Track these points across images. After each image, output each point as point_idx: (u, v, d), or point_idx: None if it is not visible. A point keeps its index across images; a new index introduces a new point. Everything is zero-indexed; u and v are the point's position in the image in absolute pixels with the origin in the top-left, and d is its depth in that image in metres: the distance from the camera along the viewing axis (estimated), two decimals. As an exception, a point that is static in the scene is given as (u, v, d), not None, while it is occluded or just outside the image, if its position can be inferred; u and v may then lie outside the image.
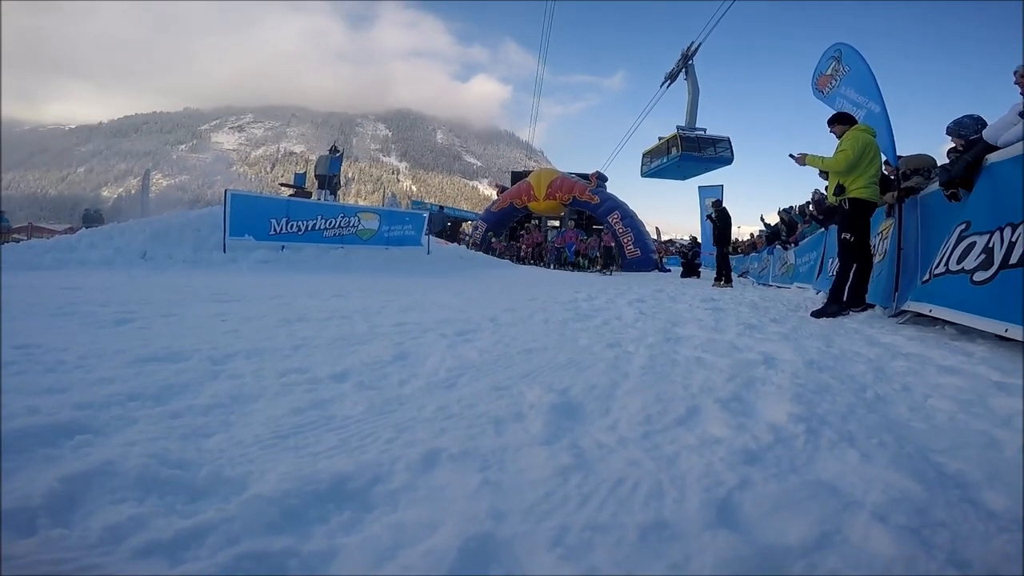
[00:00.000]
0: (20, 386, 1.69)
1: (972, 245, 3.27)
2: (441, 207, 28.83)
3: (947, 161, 4.33)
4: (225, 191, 9.72)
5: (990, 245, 3.07)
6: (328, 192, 13.20)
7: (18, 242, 9.94)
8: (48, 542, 0.87)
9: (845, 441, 1.45)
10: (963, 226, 3.45)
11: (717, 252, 10.95)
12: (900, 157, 4.96)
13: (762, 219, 16.31)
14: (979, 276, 3.10)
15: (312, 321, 3.49)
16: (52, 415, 1.42)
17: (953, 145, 4.26)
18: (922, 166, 4.84)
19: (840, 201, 4.59)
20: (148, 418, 1.48)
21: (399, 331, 3.20)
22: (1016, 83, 3.45)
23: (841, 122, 4.74)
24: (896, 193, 4.75)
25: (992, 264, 3.00)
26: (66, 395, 1.63)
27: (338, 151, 13.98)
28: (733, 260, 13.04)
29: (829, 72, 5.91)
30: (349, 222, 11.41)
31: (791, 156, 4.93)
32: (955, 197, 3.75)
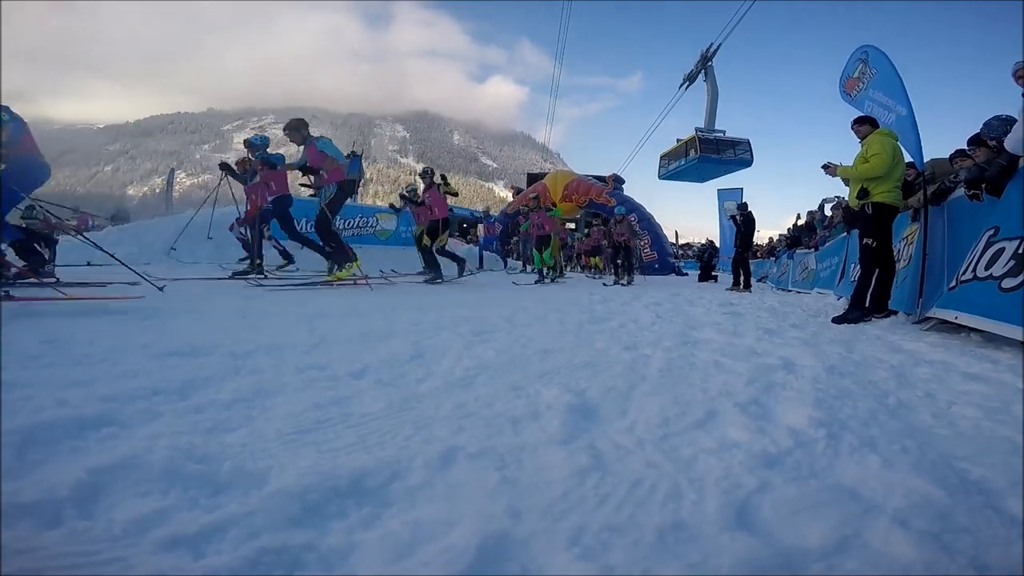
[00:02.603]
0: (48, 379, 1.74)
1: (1001, 251, 3.20)
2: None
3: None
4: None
5: (1020, 251, 3.00)
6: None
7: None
8: (74, 534, 0.89)
9: (866, 446, 1.42)
10: (992, 231, 3.38)
11: (737, 256, 10.76)
12: (927, 162, 4.87)
13: (798, 218, 16.02)
14: (1008, 283, 3.03)
15: (330, 318, 3.53)
16: (79, 408, 1.45)
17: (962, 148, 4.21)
18: (950, 170, 4.75)
19: (863, 205, 4.51)
20: (172, 412, 1.51)
21: (416, 329, 3.22)
22: (1018, 83, 3.40)
23: (866, 123, 4.68)
24: (922, 197, 4.67)
25: (1022, 271, 2.94)
26: (92, 388, 1.66)
27: (356, 154, 14.13)
28: (751, 264, 12.79)
29: (856, 75, 5.83)
30: (367, 222, 11.54)
31: (824, 168, 4.88)
32: (977, 197, 3.73)
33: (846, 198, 6.82)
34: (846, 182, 4.87)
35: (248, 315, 3.47)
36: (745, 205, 11.19)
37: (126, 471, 1.10)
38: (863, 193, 4.46)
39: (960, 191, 4.16)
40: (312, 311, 3.85)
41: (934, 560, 0.89)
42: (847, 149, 4.94)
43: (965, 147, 4.60)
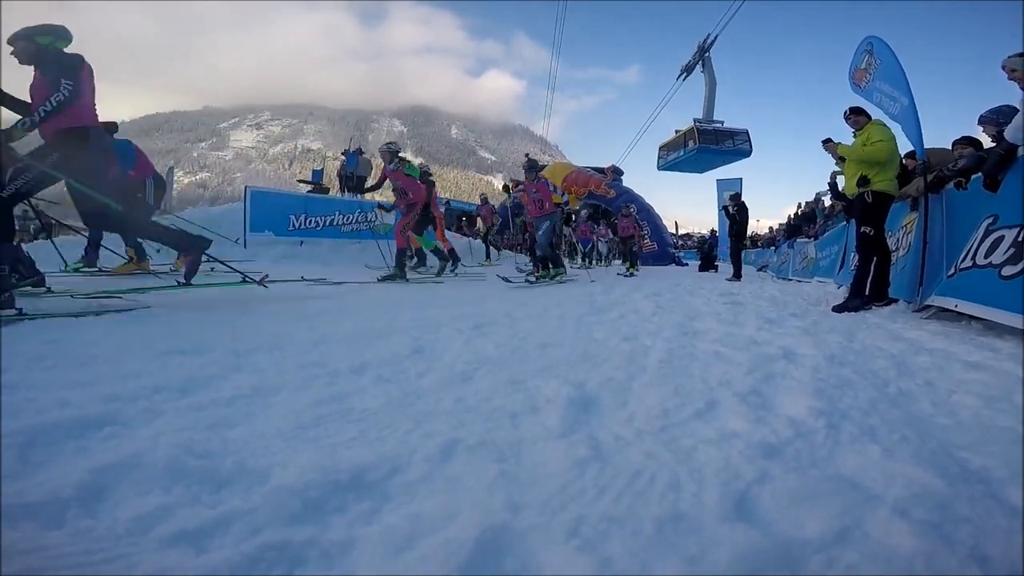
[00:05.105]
0: (51, 380, 1.74)
1: (1000, 239, 3.19)
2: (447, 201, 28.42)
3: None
4: (245, 188, 9.88)
5: (1020, 239, 3.00)
6: (351, 191, 13.34)
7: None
8: (77, 533, 0.90)
9: (866, 436, 1.43)
10: (990, 220, 3.37)
11: (733, 247, 10.80)
12: (926, 150, 4.86)
13: (799, 207, 16.07)
14: (1007, 271, 3.02)
15: (330, 315, 3.53)
16: (82, 408, 1.46)
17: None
18: (948, 159, 4.74)
19: (863, 194, 4.49)
20: (174, 410, 1.52)
21: (416, 325, 3.22)
22: (1010, 78, 3.40)
23: (862, 114, 4.68)
24: (921, 185, 4.65)
25: (1021, 258, 2.93)
26: (95, 388, 1.67)
27: (351, 150, 14.10)
28: (752, 254, 12.84)
29: (864, 66, 5.80)
30: (366, 218, 11.51)
31: (824, 143, 4.90)
32: (961, 186, 3.89)
33: (831, 187, 6.84)
34: (840, 160, 4.89)
35: (249, 313, 3.47)
36: (738, 196, 11.21)
37: (129, 470, 1.11)
38: (863, 181, 4.44)
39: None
40: (312, 310, 3.86)
41: (934, 550, 0.89)
42: (846, 138, 4.93)
43: (967, 135, 4.63)
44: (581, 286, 7.17)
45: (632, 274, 11.81)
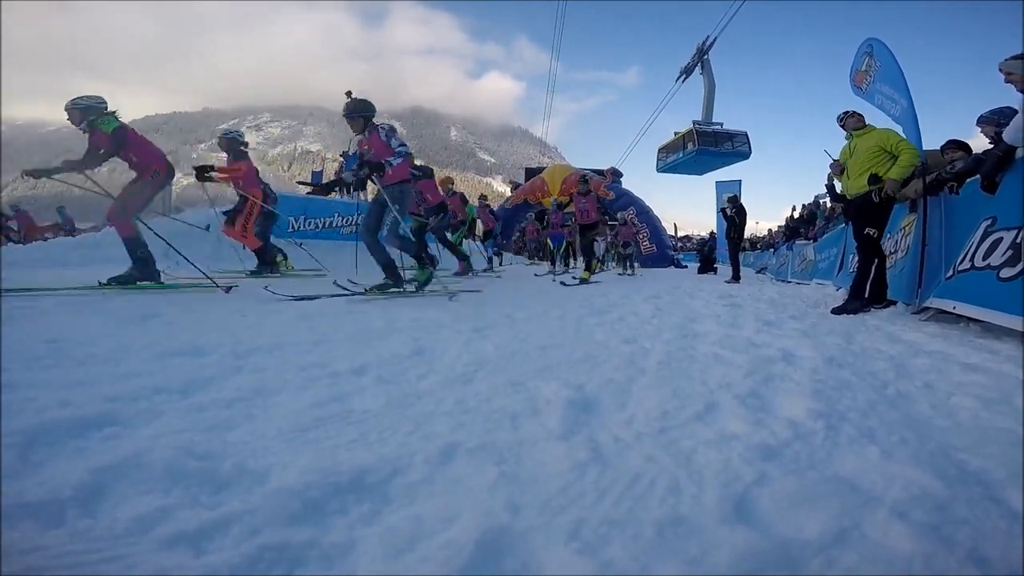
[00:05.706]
0: (51, 380, 1.74)
1: (999, 241, 3.20)
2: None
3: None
4: (245, 189, 9.84)
5: (1018, 241, 3.00)
6: (356, 192, 13.28)
7: (45, 240, 10.21)
8: (76, 533, 0.90)
9: (865, 438, 1.43)
10: (989, 221, 3.38)
11: (732, 249, 10.77)
12: (924, 151, 4.86)
13: (793, 210, 15.96)
14: (1006, 272, 3.03)
15: (331, 316, 3.53)
16: (82, 408, 1.46)
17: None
18: (945, 161, 4.74)
19: (870, 193, 4.45)
20: (174, 411, 1.52)
21: (416, 326, 3.22)
22: (1006, 81, 3.40)
23: (859, 115, 4.67)
24: (920, 187, 4.65)
25: (1020, 260, 2.93)
26: (95, 388, 1.67)
27: (351, 152, 14.07)
28: (751, 256, 12.78)
29: (864, 68, 5.83)
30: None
31: (881, 188, 4.56)
32: (953, 189, 3.95)
33: (829, 189, 6.80)
34: (839, 171, 4.87)
35: (248, 314, 3.47)
36: (736, 198, 11.18)
37: (128, 470, 1.11)
38: (875, 179, 4.37)
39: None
40: (313, 310, 3.86)
41: (933, 552, 0.90)
42: (838, 142, 4.92)
43: (955, 139, 4.66)
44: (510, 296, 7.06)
45: (591, 276, 9.62)
